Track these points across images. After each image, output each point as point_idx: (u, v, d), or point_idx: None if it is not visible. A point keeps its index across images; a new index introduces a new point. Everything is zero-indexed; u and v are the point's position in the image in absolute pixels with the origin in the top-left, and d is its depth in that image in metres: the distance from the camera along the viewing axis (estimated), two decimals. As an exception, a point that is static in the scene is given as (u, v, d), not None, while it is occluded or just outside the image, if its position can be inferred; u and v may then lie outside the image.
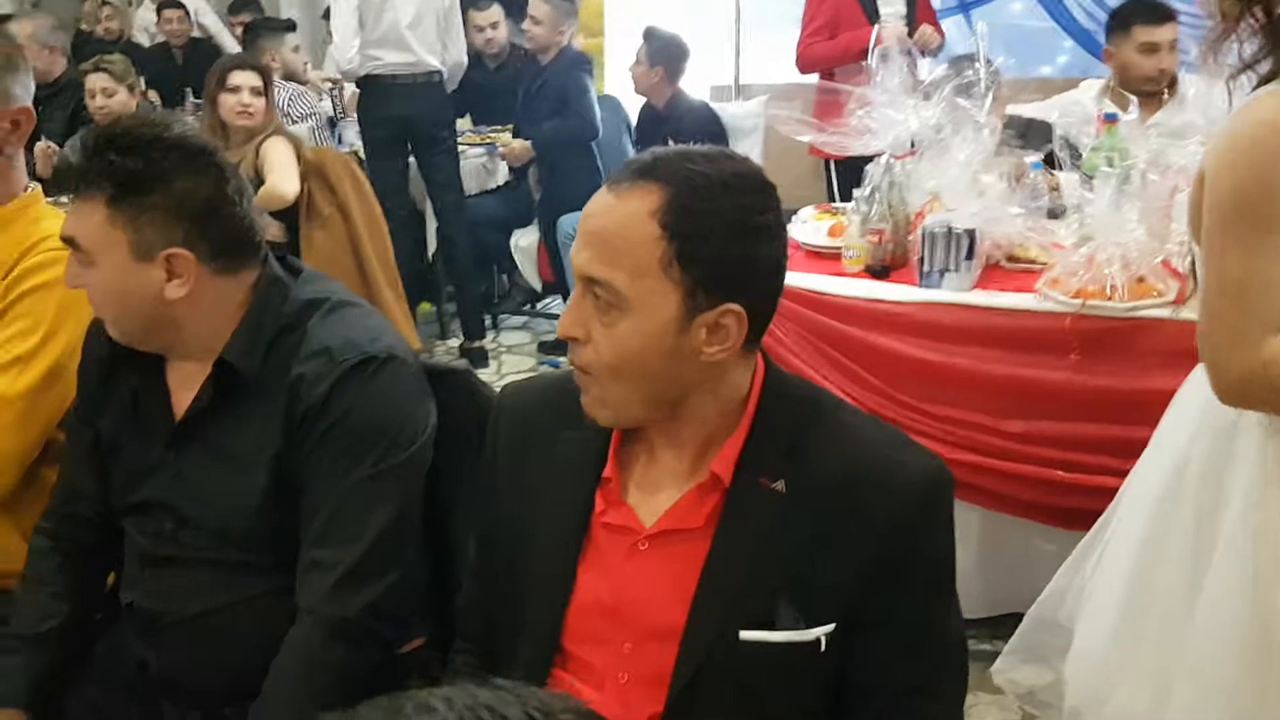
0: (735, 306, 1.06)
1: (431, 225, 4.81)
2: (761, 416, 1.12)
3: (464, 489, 1.49)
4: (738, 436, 1.11)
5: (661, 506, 1.14)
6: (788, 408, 1.13)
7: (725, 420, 1.12)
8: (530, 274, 4.85)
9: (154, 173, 1.32)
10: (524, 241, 4.80)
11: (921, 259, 2.44)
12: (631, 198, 1.05)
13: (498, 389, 1.39)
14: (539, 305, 5.23)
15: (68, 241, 1.38)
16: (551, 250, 4.60)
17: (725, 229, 1.05)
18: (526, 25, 4.55)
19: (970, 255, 2.41)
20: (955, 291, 2.42)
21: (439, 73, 4.41)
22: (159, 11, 6.37)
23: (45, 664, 1.49)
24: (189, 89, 5.58)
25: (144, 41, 6.86)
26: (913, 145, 2.57)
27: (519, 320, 5.16)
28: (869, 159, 2.61)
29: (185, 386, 1.45)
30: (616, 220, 1.05)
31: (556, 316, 5.06)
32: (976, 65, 2.55)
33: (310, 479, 1.36)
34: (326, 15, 5.34)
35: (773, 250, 1.09)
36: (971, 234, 2.39)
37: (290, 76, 4.73)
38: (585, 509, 1.16)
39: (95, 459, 1.52)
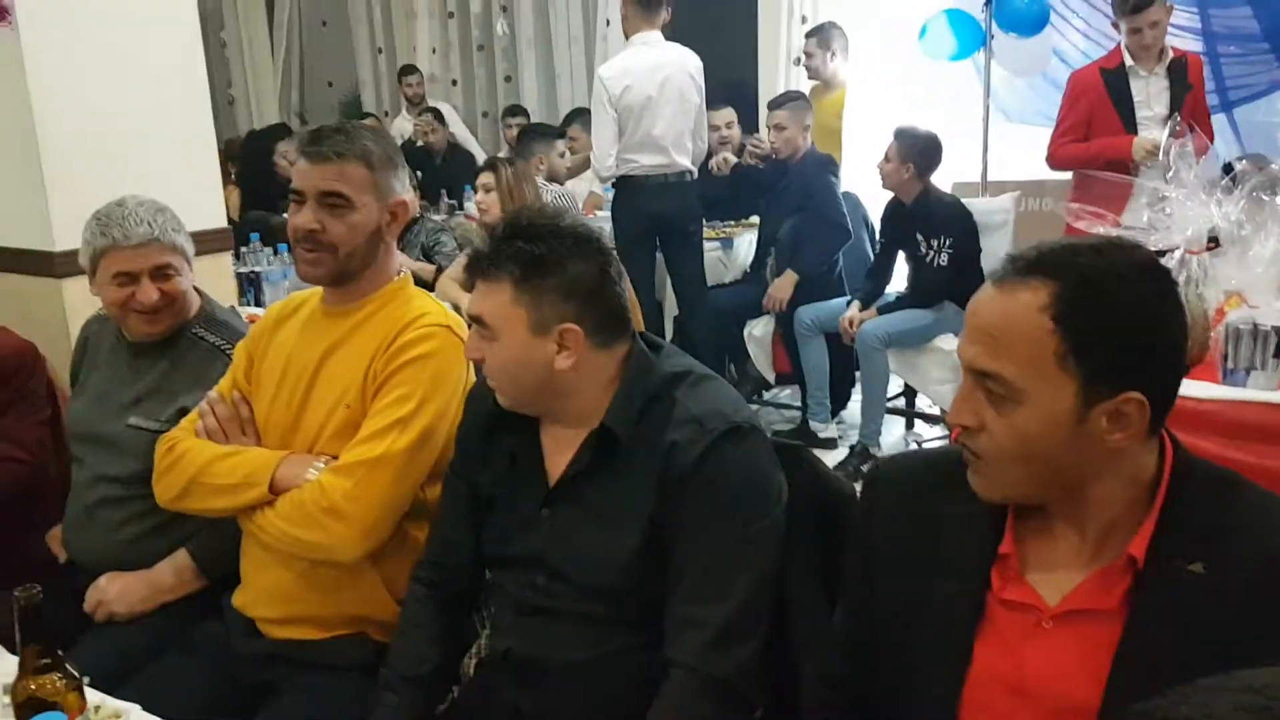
0: (1136, 394, 1.06)
1: (668, 315, 4.98)
2: (1174, 498, 1.12)
3: (795, 561, 1.53)
4: (1150, 519, 1.11)
5: (1066, 586, 1.14)
6: (1201, 489, 1.12)
7: (1132, 503, 1.13)
8: (763, 364, 4.92)
9: (554, 257, 1.47)
10: (758, 331, 4.88)
11: (1225, 356, 2.37)
12: (1020, 293, 1.08)
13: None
14: (768, 395, 5.28)
15: (475, 319, 1.53)
16: (788, 341, 4.67)
17: (1121, 321, 1.06)
18: (772, 135, 4.73)
19: (1278, 353, 2.33)
20: (1262, 390, 2.33)
21: (690, 171, 4.63)
22: (417, 119, 6.92)
23: (420, 704, 1.61)
24: (444, 190, 6.04)
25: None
26: (1211, 241, 2.50)
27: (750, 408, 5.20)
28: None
29: (559, 449, 1.56)
30: (1005, 315, 1.09)
31: (788, 406, 5.10)
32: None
33: (681, 539, 1.44)
34: (562, 133, 5.70)
35: (1172, 335, 1.10)
36: (1279, 331, 2.32)
37: (553, 178, 5.04)
38: (981, 584, 1.17)
39: (470, 513, 1.65)
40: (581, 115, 6.52)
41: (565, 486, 1.54)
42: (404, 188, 1.85)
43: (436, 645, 1.65)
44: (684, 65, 4.59)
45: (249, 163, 6.29)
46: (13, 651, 1.39)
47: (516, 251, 1.47)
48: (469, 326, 1.62)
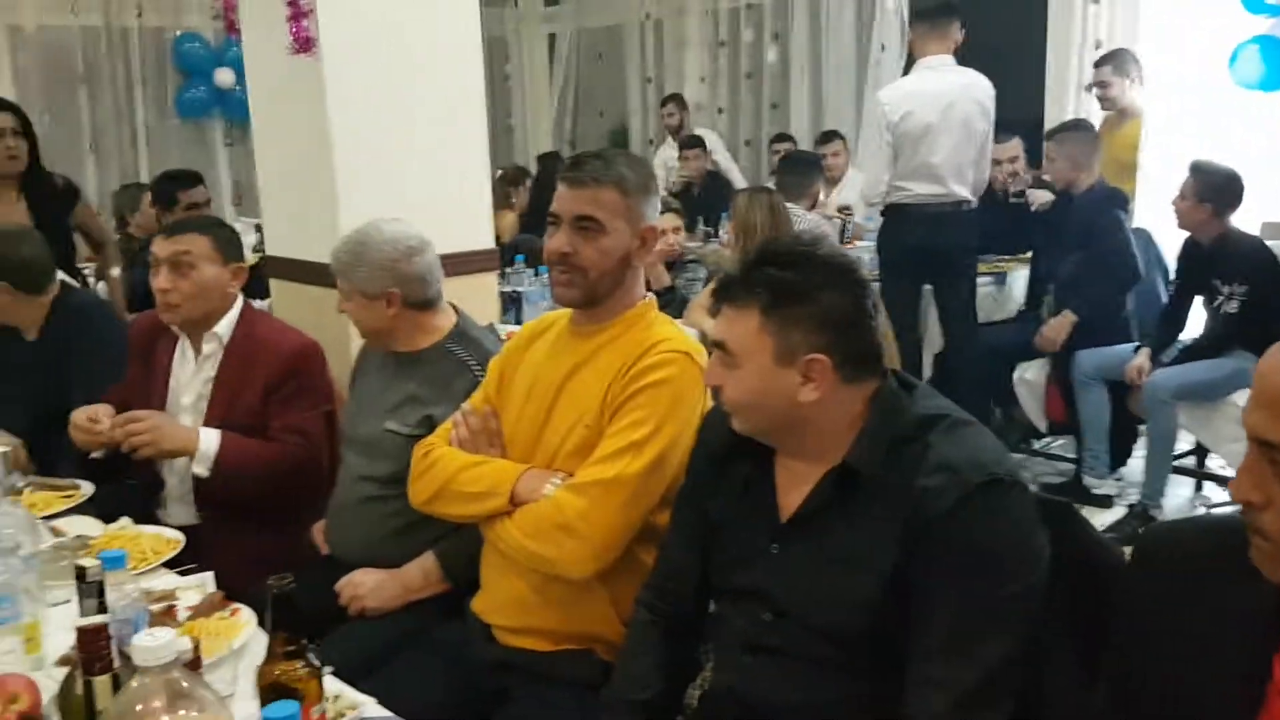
0: None
1: (927, 351, 4.79)
2: None
3: (1053, 628, 1.41)
4: None
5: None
6: None
7: None
8: (1034, 411, 4.62)
9: (806, 285, 1.43)
10: (1030, 375, 4.60)
11: None
12: None
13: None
14: (1039, 444, 4.96)
15: (717, 344, 1.51)
16: (1064, 387, 4.37)
17: None
18: (1045, 165, 4.48)
19: None
20: None
21: (967, 202, 4.44)
22: (681, 150, 7.07)
23: (640, 730, 1.60)
24: (701, 217, 6.12)
25: (660, 178, 7.62)
26: None
27: (1015, 458, 4.92)
28: None
29: (794, 485, 1.52)
30: None
31: (1060, 458, 4.78)
32: None
33: (925, 593, 1.36)
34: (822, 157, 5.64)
35: None
36: None
37: (814, 207, 5.00)
38: (1261, 671, 1.04)
39: (698, 540, 1.64)
40: (835, 138, 6.45)
41: (798, 523, 1.50)
42: (654, 213, 1.88)
43: (659, 672, 1.65)
44: (972, 91, 4.42)
45: (543, 182, 6.61)
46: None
47: (767, 278, 1.45)
48: (709, 353, 1.61)
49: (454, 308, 2.36)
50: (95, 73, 7.33)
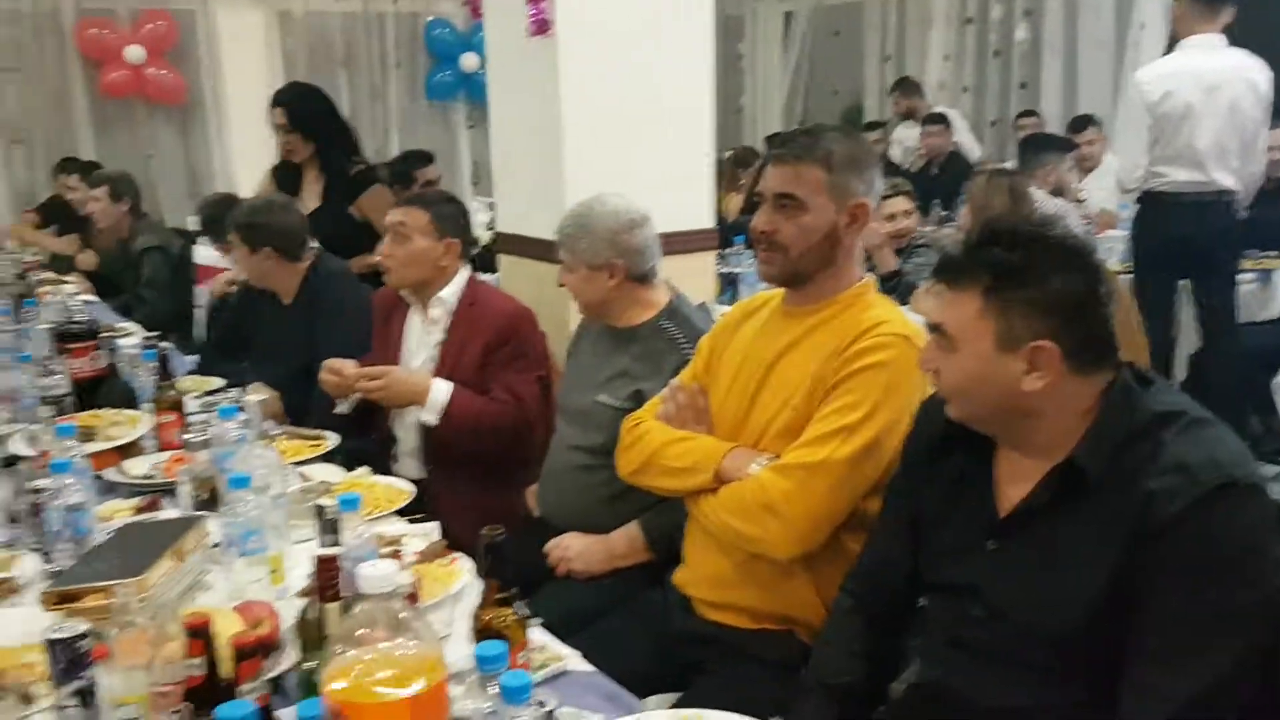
0: None
1: (1181, 350, 4.48)
2: None
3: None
4: None
5: None
6: None
7: None
8: (1296, 421, 4.25)
9: (1034, 267, 1.38)
10: (1294, 382, 4.23)
11: None
12: None
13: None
14: (1302, 458, 4.54)
15: (934, 328, 1.49)
16: (1334, 398, 3.99)
17: None
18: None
19: None
20: None
21: (1231, 193, 4.13)
22: (924, 126, 6.88)
23: (833, 716, 1.60)
24: (937, 200, 5.93)
25: (896, 157, 7.45)
26: None
27: (1271, 470, 4.53)
28: None
29: (1014, 479, 1.47)
30: None
31: (1328, 475, 4.37)
32: None
33: (1150, 597, 1.30)
34: (1074, 144, 5.32)
35: None
36: None
37: (1059, 192, 4.76)
38: None
39: (910, 530, 1.61)
40: (1090, 124, 6.09)
41: (1018, 520, 1.45)
42: (868, 189, 1.85)
43: (858, 660, 1.64)
44: (1243, 73, 4.10)
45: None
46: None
47: (991, 259, 1.40)
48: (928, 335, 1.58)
49: (669, 286, 2.42)
50: (354, 56, 7.90)
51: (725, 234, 4.01)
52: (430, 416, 2.58)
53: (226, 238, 4.11)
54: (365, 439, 2.79)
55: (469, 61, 7.86)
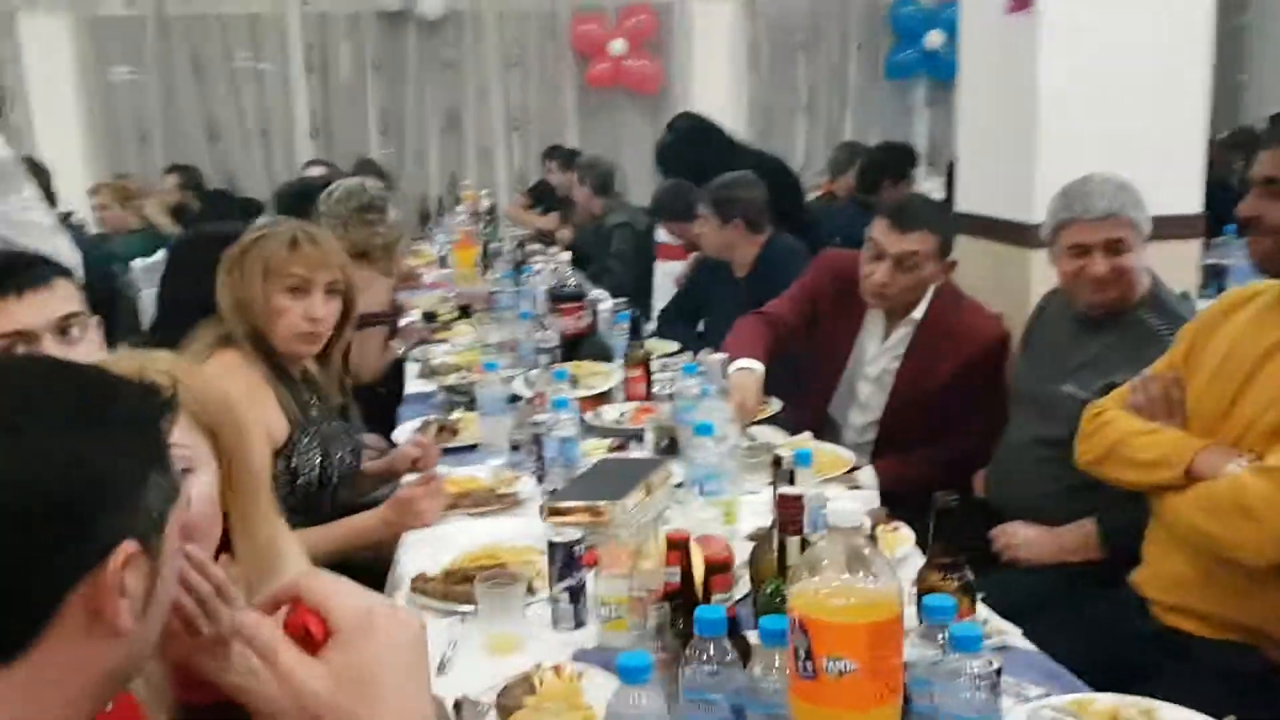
0: None
1: None
2: None
3: None
4: None
5: None
6: None
7: None
8: None
9: None
10: None
11: None
12: None
13: None
14: None
15: None
16: None
17: None
18: None
19: None
20: None
21: None
22: None
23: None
24: None
25: None
26: None
27: None
28: None
29: None
30: None
31: None
32: None
33: None
34: None
35: None
36: None
37: None
38: None
39: None
40: None
41: None
42: None
43: None
44: None
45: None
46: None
47: None
48: None
49: (1148, 270, 2.31)
50: (814, 39, 8.15)
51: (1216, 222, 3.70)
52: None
53: (676, 218, 4.52)
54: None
55: (934, 39, 7.81)
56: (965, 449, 2.59)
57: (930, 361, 2.62)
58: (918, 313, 2.65)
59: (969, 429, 2.58)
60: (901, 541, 1.87)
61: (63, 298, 1.77)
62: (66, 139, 7.23)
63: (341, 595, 0.91)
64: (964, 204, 3.52)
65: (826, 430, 2.77)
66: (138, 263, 5.23)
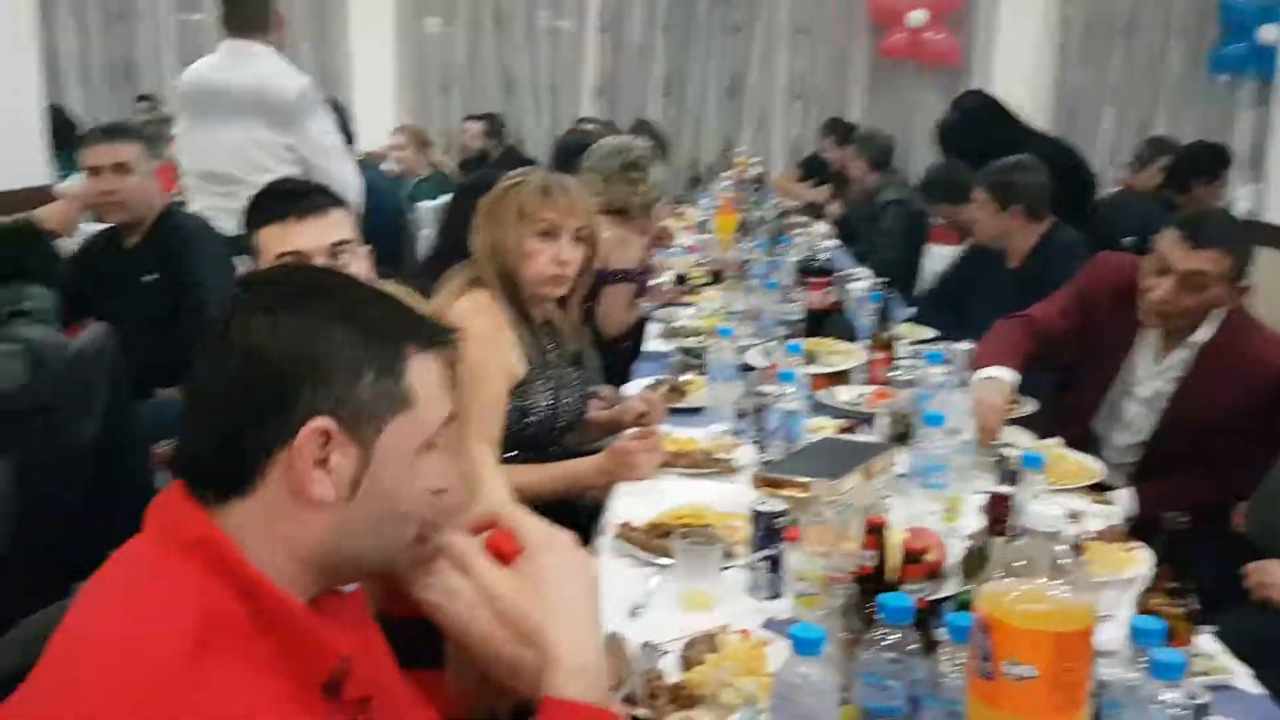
0: None
1: None
2: None
3: None
4: None
5: None
6: None
7: None
8: None
9: None
10: None
11: None
12: None
13: None
14: None
15: None
16: None
17: None
18: None
19: None
20: None
21: None
22: None
23: None
24: None
25: None
26: None
27: None
28: None
29: None
30: None
31: None
32: None
33: None
34: None
35: None
36: None
37: None
38: None
39: None
40: None
41: None
42: None
43: None
44: None
45: None
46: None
47: None
48: None
49: None
50: (1135, 21, 7.59)
51: None
52: None
53: (945, 200, 4.37)
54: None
55: (1267, 34, 7.09)
56: (1234, 481, 2.39)
57: (1212, 389, 2.42)
58: (1202, 335, 2.45)
59: (1243, 461, 2.37)
60: (1134, 563, 1.76)
61: (336, 225, 1.96)
62: (379, 84, 7.83)
63: (531, 522, 1.07)
64: (1274, 214, 3.23)
65: (1089, 446, 2.57)
66: (423, 204, 5.63)
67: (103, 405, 2.36)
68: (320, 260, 1.90)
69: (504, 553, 1.05)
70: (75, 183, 3.33)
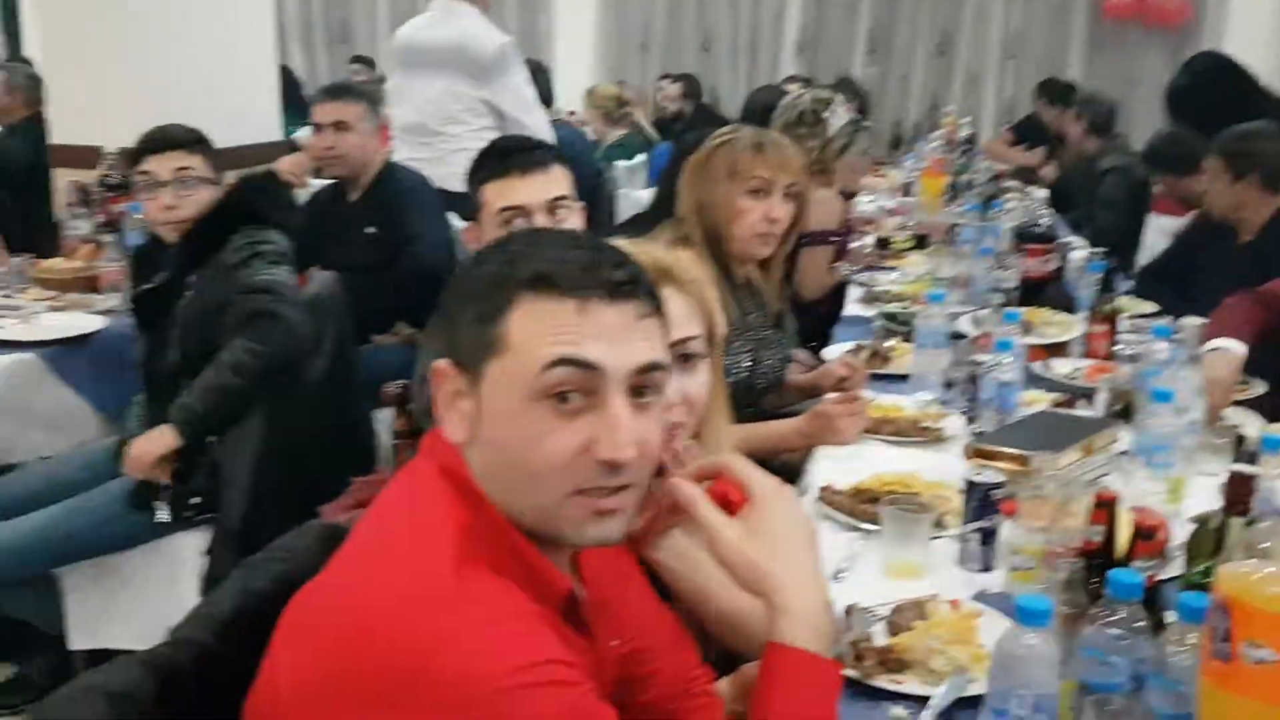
0: None
1: None
2: None
3: None
4: None
5: None
6: None
7: None
8: None
9: None
10: None
11: None
12: None
13: None
14: None
15: None
16: None
17: None
18: None
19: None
20: None
21: None
22: None
23: None
24: None
25: None
26: None
27: None
28: None
29: None
30: None
31: None
32: None
33: None
34: None
35: None
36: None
37: None
38: None
39: None
40: None
41: None
42: None
43: None
44: None
45: None
46: None
47: None
48: None
49: None
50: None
51: None
52: None
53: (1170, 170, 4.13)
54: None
55: None
56: None
57: None
58: None
59: None
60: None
61: (556, 181, 2.03)
62: (580, 44, 7.98)
63: (758, 473, 1.10)
64: None
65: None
66: (620, 163, 5.71)
67: (331, 347, 2.54)
68: (540, 215, 1.97)
69: (730, 501, 1.08)
70: (309, 134, 3.59)
